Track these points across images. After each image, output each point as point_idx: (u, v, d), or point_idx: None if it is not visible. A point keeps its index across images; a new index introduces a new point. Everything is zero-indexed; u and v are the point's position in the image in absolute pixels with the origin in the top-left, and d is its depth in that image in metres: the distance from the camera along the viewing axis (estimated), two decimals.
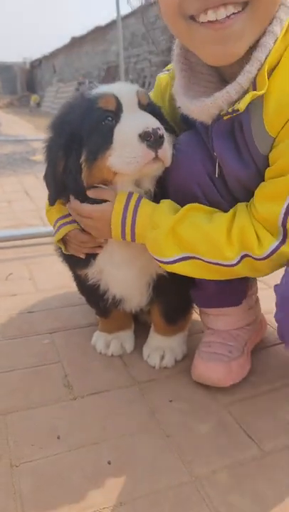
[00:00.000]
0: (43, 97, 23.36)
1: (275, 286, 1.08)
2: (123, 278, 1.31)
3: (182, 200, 1.14)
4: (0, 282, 2.06)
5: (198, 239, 1.09)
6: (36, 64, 28.99)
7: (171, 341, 1.47)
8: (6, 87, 29.48)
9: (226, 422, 1.20)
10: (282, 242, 1.03)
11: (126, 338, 1.53)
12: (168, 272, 1.33)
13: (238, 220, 1.07)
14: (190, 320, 1.56)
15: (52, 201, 1.27)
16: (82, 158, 1.13)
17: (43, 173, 1.24)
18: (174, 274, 1.32)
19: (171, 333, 1.47)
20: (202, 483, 1.01)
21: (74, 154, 1.14)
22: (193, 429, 1.18)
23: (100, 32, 17.32)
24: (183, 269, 1.14)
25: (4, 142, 7.24)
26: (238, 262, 1.07)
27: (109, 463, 1.07)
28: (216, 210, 1.14)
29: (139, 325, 1.61)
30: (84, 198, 1.18)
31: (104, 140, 1.10)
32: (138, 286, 1.36)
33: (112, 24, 14.92)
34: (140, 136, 1.04)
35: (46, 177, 1.23)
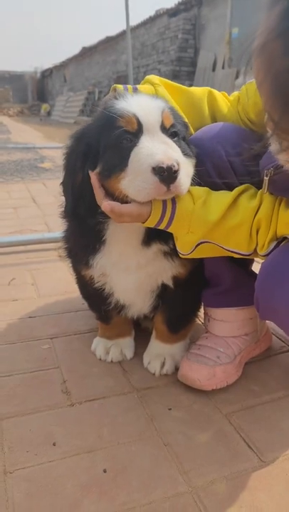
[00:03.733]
0: (53, 106, 23.62)
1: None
2: (128, 284, 1.30)
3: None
4: (2, 287, 2.05)
5: (226, 237, 1.14)
6: (47, 73, 29.36)
7: (173, 348, 1.45)
8: (17, 95, 29.82)
9: (226, 432, 1.17)
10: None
11: (126, 345, 1.51)
12: (173, 282, 1.32)
13: (259, 216, 1.10)
14: (192, 328, 1.53)
15: (69, 211, 1.21)
16: (97, 170, 1.11)
17: (61, 180, 1.21)
18: (180, 283, 1.32)
19: (173, 341, 1.45)
20: (199, 494, 0.99)
21: (90, 165, 1.12)
22: (192, 438, 1.15)
23: (110, 42, 17.53)
24: (197, 253, 1.18)
25: (13, 150, 7.29)
26: (252, 253, 1.16)
27: (104, 471, 1.04)
28: (241, 192, 1.14)
29: (140, 332, 1.59)
30: (97, 208, 1.15)
31: (120, 161, 1.06)
32: (142, 293, 1.35)
33: (122, 34, 15.11)
34: (154, 169, 1.00)
35: (64, 184, 1.21)
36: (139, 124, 1.07)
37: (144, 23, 14.40)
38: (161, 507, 0.96)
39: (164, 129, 1.09)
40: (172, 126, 1.11)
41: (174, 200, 1.10)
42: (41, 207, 3.64)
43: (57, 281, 2.12)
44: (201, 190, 1.13)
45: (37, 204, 3.77)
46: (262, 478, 1.03)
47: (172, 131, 1.11)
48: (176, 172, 1.01)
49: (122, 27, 14.13)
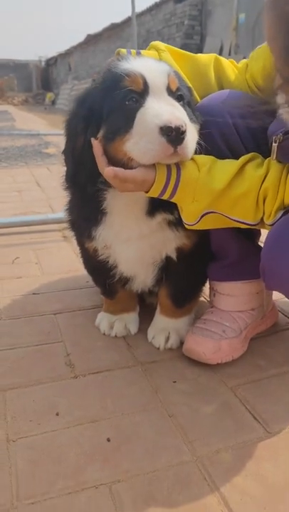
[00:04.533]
0: (57, 95, 23.47)
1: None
2: (130, 254, 1.28)
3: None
4: (6, 266, 2.04)
5: (232, 206, 1.11)
6: (52, 62, 29.14)
7: (177, 323, 1.43)
8: (22, 84, 29.62)
9: (232, 404, 1.16)
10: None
11: (130, 320, 1.50)
12: (177, 254, 1.30)
13: (266, 185, 1.08)
14: (197, 303, 1.52)
15: (69, 178, 1.19)
16: (100, 134, 1.08)
17: (63, 148, 1.19)
18: (184, 255, 1.30)
19: (178, 315, 1.44)
20: (204, 463, 0.97)
21: (93, 129, 1.09)
22: (197, 410, 1.13)
23: (115, 29, 17.34)
24: (203, 224, 1.15)
25: (17, 136, 7.25)
26: (258, 223, 1.13)
27: (108, 440, 1.03)
28: (247, 160, 1.11)
29: (145, 308, 1.58)
30: (97, 177, 1.12)
31: (125, 122, 1.03)
32: (145, 264, 1.33)
33: (127, 21, 14.91)
34: (161, 129, 0.97)
35: (65, 152, 1.18)
36: (145, 85, 1.04)
37: (149, 10, 14.20)
38: (165, 475, 0.94)
39: (170, 91, 1.06)
40: (178, 89, 1.08)
41: (178, 168, 1.07)
42: (45, 190, 3.62)
43: (61, 260, 2.10)
44: (205, 158, 1.11)
45: (41, 188, 3.75)
46: (268, 448, 1.02)
47: (178, 94, 1.08)
48: (183, 133, 0.98)
49: (128, 13, 13.95)
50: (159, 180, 1.05)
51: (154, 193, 1.08)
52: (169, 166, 1.06)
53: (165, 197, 1.10)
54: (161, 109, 1.00)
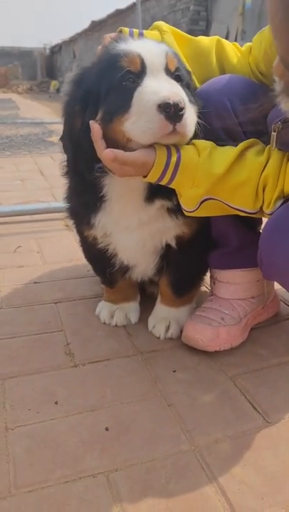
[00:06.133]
0: (62, 83, 23.28)
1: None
2: (130, 243, 1.27)
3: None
4: (8, 255, 2.03)
5: (232, 194, 1.09)
6: (56, 49, 28.85)
7: (178, 312, 1.42)
8: (26, 72, 29.34)
9: (231, 393, 1.15)
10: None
11: (131, 309, 1.49)
12: (177, 242, 1.28)
13: (266, 173, 1.06)
14: (198, 292, 1.51)
15: (72, 166, 1.18)
16: (98, 116, 1.06)
17: (61, 136, 1.17)
18: (184, 243, 1.28)
19: (178, 304, 1.42)
20: (202, 453, 0.97)
21: (91, 111, 1.07)
22: (197, 399, 1.13)
23: (120, 15, 17.10)
24: (203, 211, 1.13)
25: (21, 124, 7.20)
26: (258, 212, 1.12)
27: (106, 429, 1.03)
28: (248, 146, 1.10)
29: (146, 298, 1.57)
30: (94, 162, 1.11)
31: (123, 102, 1.02)
32: (145, 253, 1.31)
33: (132, 7, 14.69)
34: (159, 106, 0.96)
35: (63, 138, 1.16)
36: (143, 65, 1.02)
37: None
38: (162, 464, 0.94)
39: (168, 71, 1.05)
40: (177, 69, 1.07)
41: (178, 151, 1.05)
42: (49, 179, 3.60)
43: (62, 249, 2.09)
44: (206, 143, 1.09)
45: (44, 176, 3.73)
46: (267, 437, 1.01)
47: (176, 74, 1.07)
48: (182, 109, 0.96)
49: None
50: (158, 163, 1.03)
51: (153, 176, 1.06)
52: (169, 150, 1.04)
53: (164, 181, 1.07)
54: (159, 87, 0.99)
